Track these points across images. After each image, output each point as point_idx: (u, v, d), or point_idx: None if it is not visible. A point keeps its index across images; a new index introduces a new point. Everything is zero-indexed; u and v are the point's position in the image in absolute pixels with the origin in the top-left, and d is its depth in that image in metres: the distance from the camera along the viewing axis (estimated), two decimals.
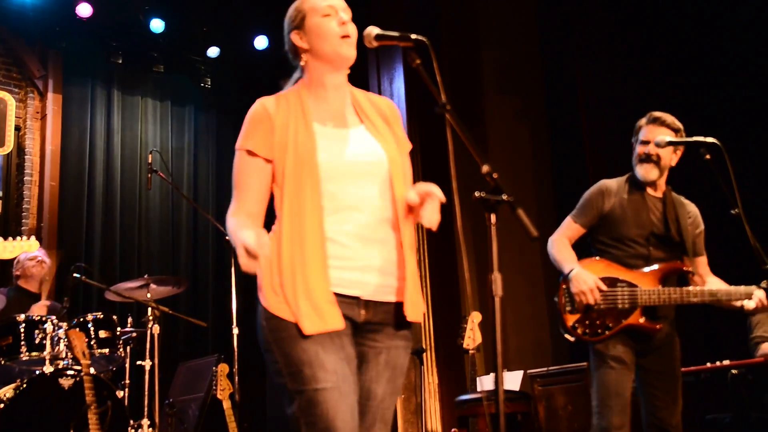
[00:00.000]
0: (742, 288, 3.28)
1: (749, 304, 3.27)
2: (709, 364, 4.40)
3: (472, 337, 4.46)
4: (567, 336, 3.36)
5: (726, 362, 4.37)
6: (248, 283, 7.24)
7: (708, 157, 3.18)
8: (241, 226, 2.06)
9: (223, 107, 8.13)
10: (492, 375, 5.12)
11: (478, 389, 4.93)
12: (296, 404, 1.99)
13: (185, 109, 8.07)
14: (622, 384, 3.26)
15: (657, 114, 3.46)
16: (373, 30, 2.19)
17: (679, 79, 6.53)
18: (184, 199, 7.25)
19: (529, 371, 5.42)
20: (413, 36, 2.12)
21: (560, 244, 3.53)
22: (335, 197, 2.12)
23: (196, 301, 7.46)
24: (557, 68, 7.07)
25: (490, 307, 1.94)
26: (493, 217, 1.96)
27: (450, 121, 2.03)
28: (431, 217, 2.10)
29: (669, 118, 3.45)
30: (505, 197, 1.95)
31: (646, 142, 3.43)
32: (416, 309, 2.17)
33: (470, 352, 4.55)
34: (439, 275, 6.44)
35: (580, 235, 3.54)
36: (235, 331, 5.00)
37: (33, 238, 4.58)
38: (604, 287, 3.31)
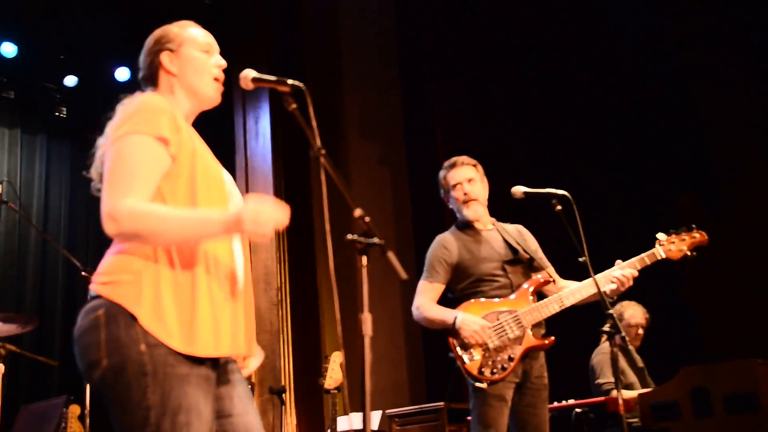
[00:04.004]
0: (601, 275, 3.45)
1: (611, 286, 3.44)
2: (555, 404, 4.65)
3: (333, 377, 4.48)
4: (478, 385, 3.38)
5: (571, 401, 4.64)
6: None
7: (559, 208, 3.39)
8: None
9: (79, 138, 7.82)
10: (351, 415, 5.15)
11: (338, 429, 4.95)
12: None
13: (37, 137, 7.70)
14: (498, 421, 3.37)
15: (452, 159, 3.72)
16: (250, 73, 2.21)
17: (534, 129, 6.95)
18: (35, 231, 6.88)
19: (387, 411, 5.49)
20: (290, 81, 2.15)
21: (428, 306, 3.58)
22: None
23: (42, 339, 7.05)
24: (417, 113, 7.34)
25: (359, 347, 1.99)
26: (364, 260, 2.02)
27: (325, 165, 2.08)
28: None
29: (463, 157, 3.71)
30: (376, 240, 2.02)
31: (459, 185, 3.64)
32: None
33: (330, 392, 4.56)
34: (299, 315, 6.43)
35: (441, 293, 3.62)
36: None
37: None
38: (489, 324, 3.42)
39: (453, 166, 3.68)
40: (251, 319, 2.18)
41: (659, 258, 3.53)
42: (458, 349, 3.44)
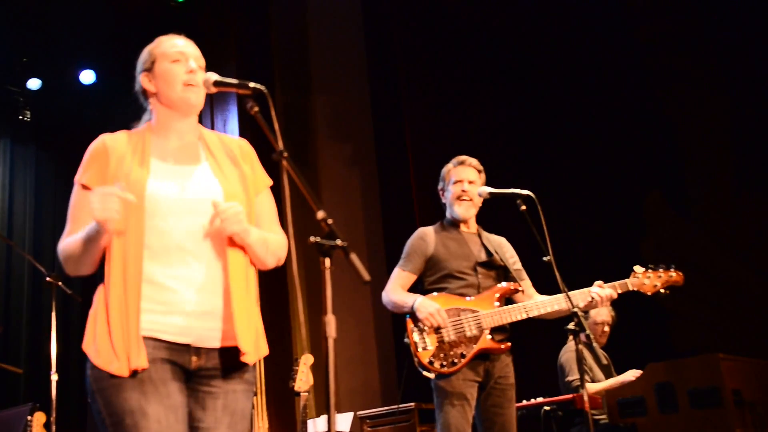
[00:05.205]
0: (577, 292, 3.49)
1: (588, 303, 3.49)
2: (524, 402, 4.68)
3: (303, 380, 4.47)
4: (426, 374, 3.44)
5: (539, 399, 4.68)
6: (67, 328, 6.86)
7: (524, 207, 3.43)
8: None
9: (43, 141, 7.71)
10: (322, 417, 5.15)
11: None
12: None
13: (0, 141, 7.58)
14: (461, 420, 3.39)
15: (462, 157, 3.79)
16: (212, 76, 2.25)
17: (503, 129, 7.00)
18: None
19: (359, 412, 5.50)
20: (251, 84, 2.16)
21: (395, 291, 3.67)
22: (163, 234, 2.09)
23: (7, 346, 6.95)
24: (386, 115, 7.35)
25: (323, 349, 1.99)
26: (327, 262, 2.02)
27: (287, 168, 2.07)
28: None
29: (473, 160, 3.78)
30: (339, 242, 2.01)
31: (459, 182, 3.70)
32: (253, 351, 2.17)
33: (301, 394, 4.55)
34: (269, 318, 6.39)
35: (412, 282, 3.69)
36: (54, 377, 4.72)
37: None
38: (447, 317, 3.46)
39: (461, 163, 3.76)
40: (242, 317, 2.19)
41: (629, 290, 3.59)
42: (414, 334, 3.49)
